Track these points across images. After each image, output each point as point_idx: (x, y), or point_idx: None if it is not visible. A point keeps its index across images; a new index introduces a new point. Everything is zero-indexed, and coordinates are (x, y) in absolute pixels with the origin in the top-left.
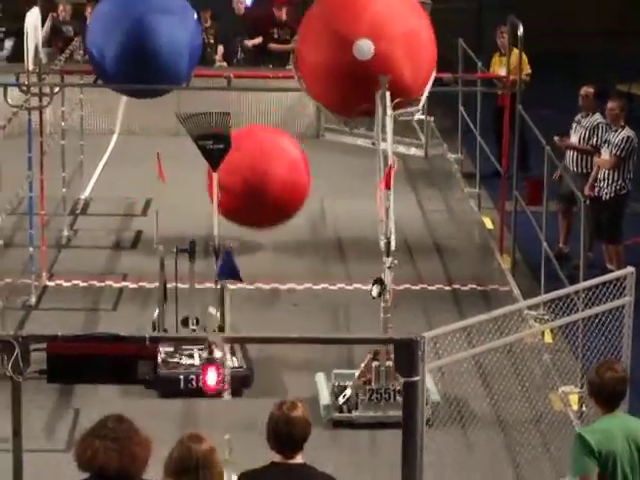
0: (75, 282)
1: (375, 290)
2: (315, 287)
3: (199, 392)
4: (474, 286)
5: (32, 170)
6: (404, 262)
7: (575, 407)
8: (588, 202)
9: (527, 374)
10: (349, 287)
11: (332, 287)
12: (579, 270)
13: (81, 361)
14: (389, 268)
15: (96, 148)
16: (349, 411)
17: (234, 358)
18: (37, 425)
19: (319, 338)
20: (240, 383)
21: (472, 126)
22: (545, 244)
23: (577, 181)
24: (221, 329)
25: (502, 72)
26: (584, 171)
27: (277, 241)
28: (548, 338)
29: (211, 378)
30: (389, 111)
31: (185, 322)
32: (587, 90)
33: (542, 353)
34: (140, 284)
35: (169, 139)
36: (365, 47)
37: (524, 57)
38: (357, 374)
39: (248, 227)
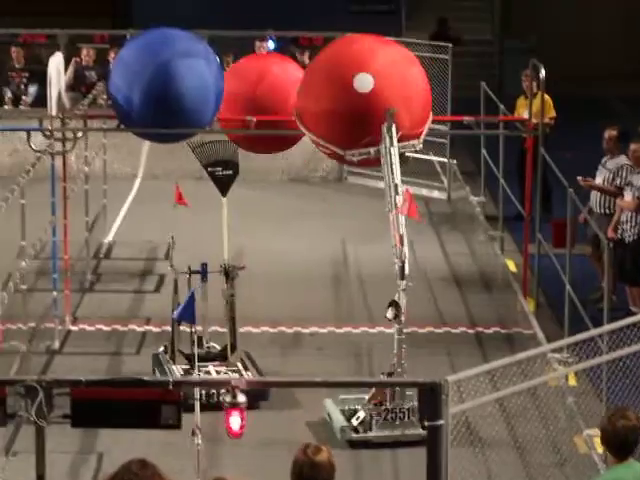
0: (98, 326)
1: (390, 312)
2: (338, 330)
3: (216, 406)
4: (498, 329)
5: (55, 215)
6: (427, 305)
7: (600, 450)
8: (612, 245)
9: (551, 417)
10: (372, 330)
11: (355, 330)
12: (603, 312)
13: (105, 406)
14: (403, 291)
15: (119, 192)
16: (365, 432)
17: (248, 373)
18: (61, 469)
19: (343, 382)
20: (257, 397)
21: (494, 169)
22: (568, 286)
23: (601, 222)
24: (232, 347)
25: (527, 115)
26: (607, 212)
27: (299, 284)
28: (572, 381)
29: (235, 423)
30: (395, 142)
31: (199, 341)
32: (610, 133)
33: (566, 396)
34: (163, 328)
35: (192, 183)
36: (365, 79)
37: (549, 101)
38: (368, 397)
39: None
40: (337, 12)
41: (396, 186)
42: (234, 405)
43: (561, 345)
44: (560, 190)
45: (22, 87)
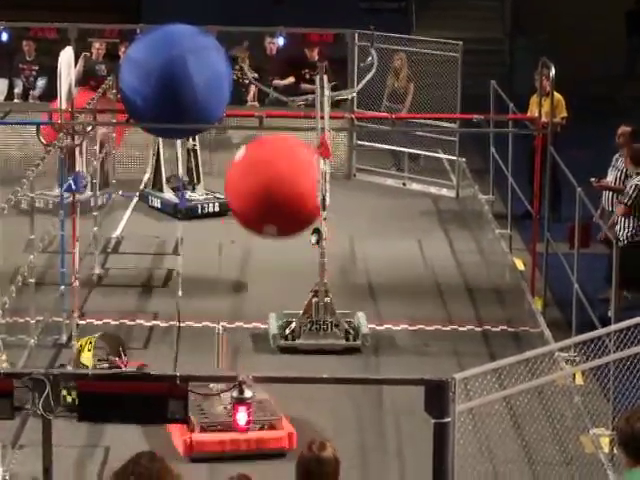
0: (106, 321)
1: (314, 238)
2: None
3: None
4: (505, 327)
5: (64, 209)
6: (435, 302)
7: (606, 449)
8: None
9: (558, 416)
10: (380, 327)
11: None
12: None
13: (112, 400)
14: (324, 219)
15: (128, 187)
16: (293, 339)
17: (216, 194)
18: (68, 463)
19: (349, 378)
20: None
21: (504, 167)
22: (576, 285)
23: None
24: (198, 180)
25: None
26: None
27: (307, 280)
28: (579, 380)
29: (242, 418)
30: (327, 92)
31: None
32: (624, 129)
33: (573, 395)
34: (171, 323)
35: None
36: None
37: (562, 100)
38: (302, 311)
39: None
40: (346, 9)
41: (322, 129)
42: (241, 400)
43: (568, 344)
44: (570, 189)
45: (32, 80)
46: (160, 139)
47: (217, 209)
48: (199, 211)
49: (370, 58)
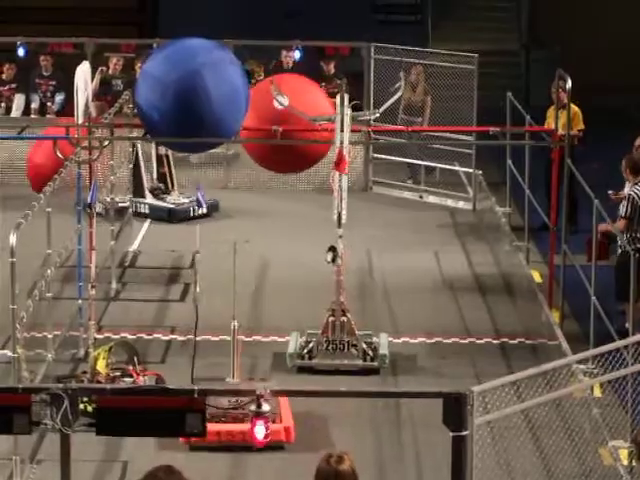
0: (123, 334)
1: (329, 256)
2: None
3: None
4: (523, 340)
5: (81, 223)
6: (453, 315)
7: (625, 462)
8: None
9: (576, 428)
10: (397, 340)
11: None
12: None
13: (130, 414)
14: (340, 237)
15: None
16: (309, 359)
17: (190, 197)
18: (86, 477)
19: (367, 392)
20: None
21: (520, 179)
22: (594, 297)
23: None
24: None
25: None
26: None
27: (324, 294)
28: (597, 392)
29: (260, 432)
30: (347, 110)
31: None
32: None
33: (591, 407)
34: (188, 337)
35: (216, 193)
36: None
37: (579, 113)
38: (321, 330)
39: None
40: (363, 22)
41: (341, 144)
42: (259, 415)
43: (586, 356)
44: (587, 201)
45: (49, 95)
46: (139, 148)
47: (205, 211)
48: (191, 214)
49: (398, 83)
